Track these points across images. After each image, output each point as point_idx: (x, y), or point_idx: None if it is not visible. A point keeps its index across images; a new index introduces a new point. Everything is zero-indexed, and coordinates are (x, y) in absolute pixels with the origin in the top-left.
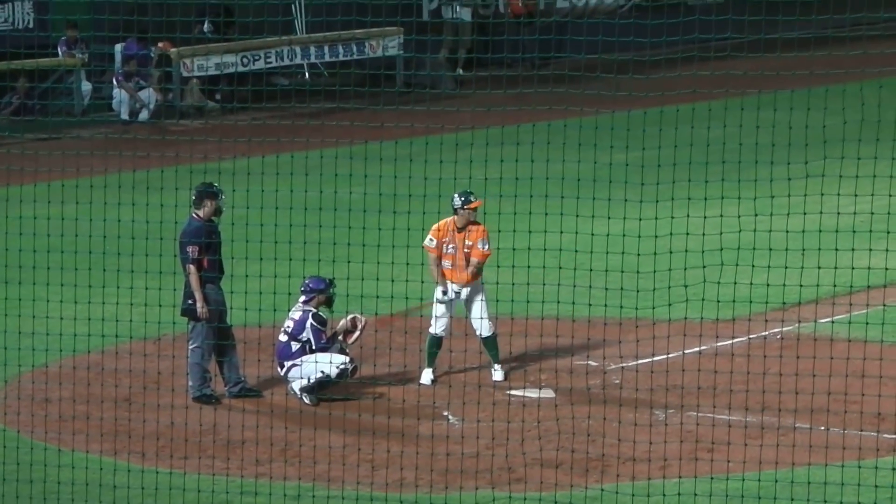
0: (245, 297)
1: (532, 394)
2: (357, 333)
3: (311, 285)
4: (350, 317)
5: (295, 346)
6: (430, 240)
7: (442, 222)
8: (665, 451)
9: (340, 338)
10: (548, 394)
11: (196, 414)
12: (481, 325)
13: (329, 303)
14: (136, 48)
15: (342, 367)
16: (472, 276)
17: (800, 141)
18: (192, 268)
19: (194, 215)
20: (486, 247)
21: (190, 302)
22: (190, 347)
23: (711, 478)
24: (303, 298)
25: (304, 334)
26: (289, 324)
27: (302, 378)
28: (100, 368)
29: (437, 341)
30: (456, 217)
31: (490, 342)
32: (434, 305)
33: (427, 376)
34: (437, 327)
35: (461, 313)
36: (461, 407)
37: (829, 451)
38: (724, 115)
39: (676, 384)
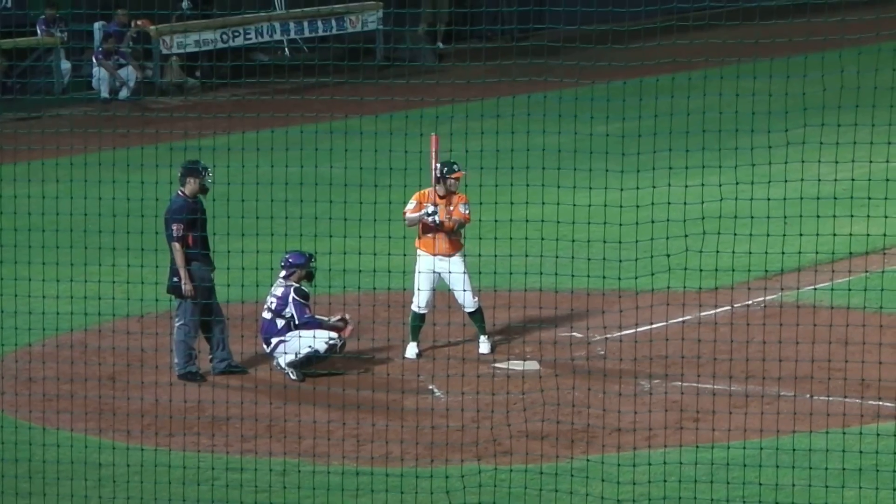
0: (228, 274)
1: (516, 366)
2: (350, 327)
3: (291, 260)
4: (338, 317)
5: (280, 322)
6: (411, 203)
7: (423, 191)
8: (650, 421)
9: (336, 318)
10: (532, 366)
11: (181, 391)
12: (464, 297)
13: (310, 277)
14: (115, 25)
15: (331, 342)
16: (451, 228)
17: (780, 109)
18: (177, 245)
19: (179, 192)
20: (468, 211)
21: (175, 279)
22: (175, 325)
23: (697, 447)
24: (283, 273)
25: (288, 310)
26: (272, 300)
27: (288, 353)
28: (84, 347)
29: (419, 317)
30: (437, 186)
31: (476, 315)
32: (416, 277)
33: (412, 350)
34: (420, 302)
35: (444, 288)
36: (446, 380)
37: (814, 418)
38: (703, 85)
39: (661, 354)
